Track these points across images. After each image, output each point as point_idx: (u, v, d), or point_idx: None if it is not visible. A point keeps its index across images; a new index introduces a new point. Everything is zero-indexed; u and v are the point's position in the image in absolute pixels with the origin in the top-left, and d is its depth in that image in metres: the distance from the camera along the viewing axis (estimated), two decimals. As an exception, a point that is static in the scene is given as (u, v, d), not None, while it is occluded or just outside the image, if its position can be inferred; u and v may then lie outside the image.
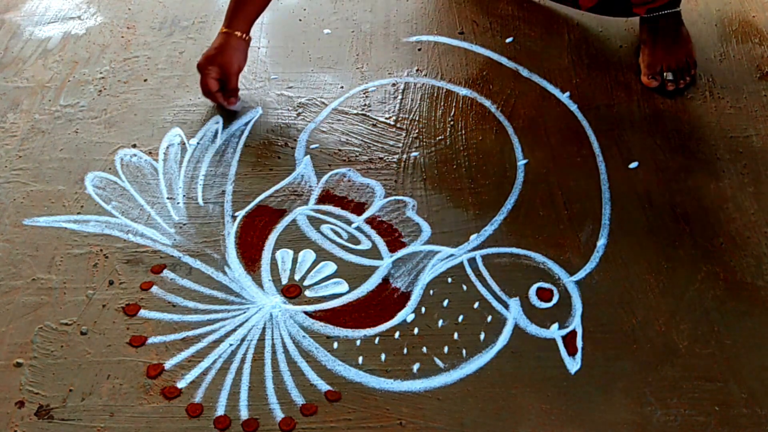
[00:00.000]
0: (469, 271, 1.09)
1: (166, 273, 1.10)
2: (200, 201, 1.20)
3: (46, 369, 0.99)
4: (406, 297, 1.06)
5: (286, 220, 1.17)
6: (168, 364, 0.99)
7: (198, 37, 1.50)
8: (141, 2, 1.60)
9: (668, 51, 1.35)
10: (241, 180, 1.23)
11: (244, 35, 1.29)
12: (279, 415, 0.94)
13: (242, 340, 1.02)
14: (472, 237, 1.13)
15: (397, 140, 1.29)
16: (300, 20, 1.55)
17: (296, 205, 1.19)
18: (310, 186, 1.22)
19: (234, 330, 1.03)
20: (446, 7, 1.56)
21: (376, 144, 1.28)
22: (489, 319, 1.04)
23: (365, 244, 1.13)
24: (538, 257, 1.10)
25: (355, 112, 1.34)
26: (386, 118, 1.33)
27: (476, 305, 1.05)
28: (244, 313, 1.05)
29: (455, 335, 1.02)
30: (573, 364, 0.98)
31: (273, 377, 0.98)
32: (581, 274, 1.08)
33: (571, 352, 0.99)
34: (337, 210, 1.18)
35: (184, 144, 1.29)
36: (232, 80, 1.31)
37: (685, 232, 1.13)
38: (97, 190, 1.21)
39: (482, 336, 1.02)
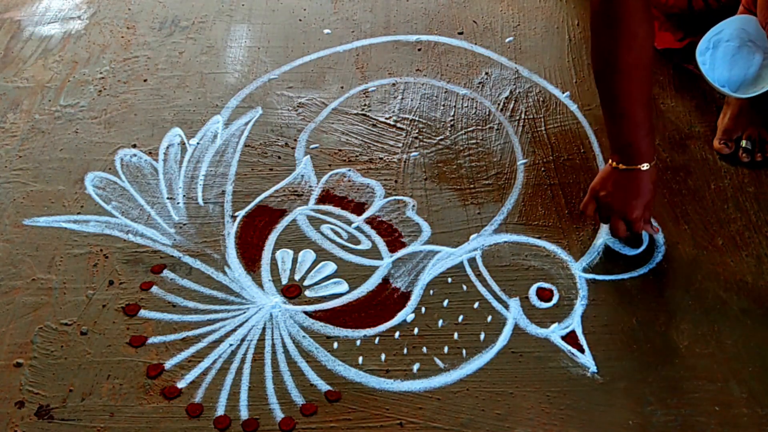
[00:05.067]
0: (469, 271, 1.09)
1: (166, 273, 1.10)
2: (200, 201, 1.20)
3: (46, 369, 0.99)
4: (406, 297, 1.06)
5: (286, 220, 1.17)
6: (168, 364, 0.99)
7: (198, 37, 1.50)
8: (141, 2, 1.60)
9: (753, 119, 1.21)
10: (241, 180, 1.23)
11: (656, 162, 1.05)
12: (279, 415, 0.94)
13: (242, 340, 1.02)
14: (472, 237, 1.13)
15: (397, 140, 1.29)
16: (300, 20, 1.55)
17: (296, 205, 1.19)
18: (310, 186, 1.22)
19: (234, 330, 1.03)
20: (446, 7, 1.56)
21: (376, 144, 1.28)
22: (489, 319, 1.04)
23: (365, 244, 1.13)
24: (538, 256, 1.10)
25: (355, 112, 1.34)
26: (386, 118, 1.33)
27: (476, 305, 1.05)
28: (244, 313, 1.05)
29: (455, 335, 1.02)
30: (589, 362, 0.98)
31: (273, 377, 0.98)
32: (581, 274, 1.08)
33: (580, 351, 0.99)
34: (337, 210, 1.18)
35: (184, 144, 1.29)
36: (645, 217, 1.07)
37: (685, 232, 1.13)
38: (97, 190, 1.21)
39: (482, 336, 1.02)
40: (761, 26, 1.05)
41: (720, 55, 1.10)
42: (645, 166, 1.02)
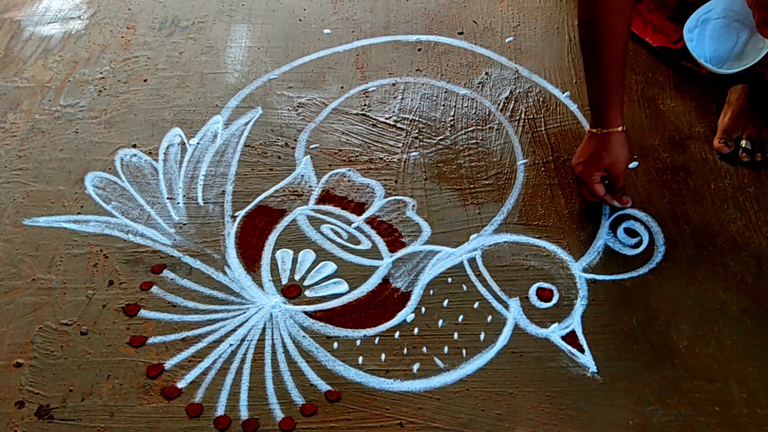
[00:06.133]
0: (469, 271, 1.09)
1: (166, 273, 1.10)
2: (200, 201, 1.20)
3: (46, 369, 0.99)
4: (406, 297, 1.06)
5: (286, 220, 1.17)
6: (168, 364, 0.99)
7: (198, 37, 1.50)
8: (141, 2, 1.60)
9: (753, 119, 1.23)
10: (241, 180, 1.23)
11: (623, 128, 1.10)
12: (279, 415, 0.94)
13: (242, 340, 1.02)
14: (472, 237, 1.13)
15: (397, 140, 1.29)
16: (300, 20, 1.55)
17: (296, 205, 1.19)
18: (310, 186, 1.22)
19: (234, 330, 1.03)
20: (446, 7, 1.56)
21: (376, 144, 1.28)
22: (489, 319, 1.04)
23: (365, 244, 1.13)
24: (538, 256, 1.10)
25: (355, 112, 1.34)
26: (386, 118, 1.33)
27: (476, 305, 1.05)
28: (244, 313, 1.05)
29: (455, 335, 1.02)
30: (589, 362, 0.98)
31: (273, 377, 0.98)
32: (581, 274, 1.08)
33: (580, 351, 0.99)
34: (337, 210, 1.18)
35: (184, 144, 1.29)
36: (621, 180, 1.12)
37: (685, 232, 1.13)
38: (97, 190, 1.21)
39: (482, 336, 1.02)
40: (747, 4, 1.07)
41: (708, 33, 1.14)
42: (620, 128, 1.09)
